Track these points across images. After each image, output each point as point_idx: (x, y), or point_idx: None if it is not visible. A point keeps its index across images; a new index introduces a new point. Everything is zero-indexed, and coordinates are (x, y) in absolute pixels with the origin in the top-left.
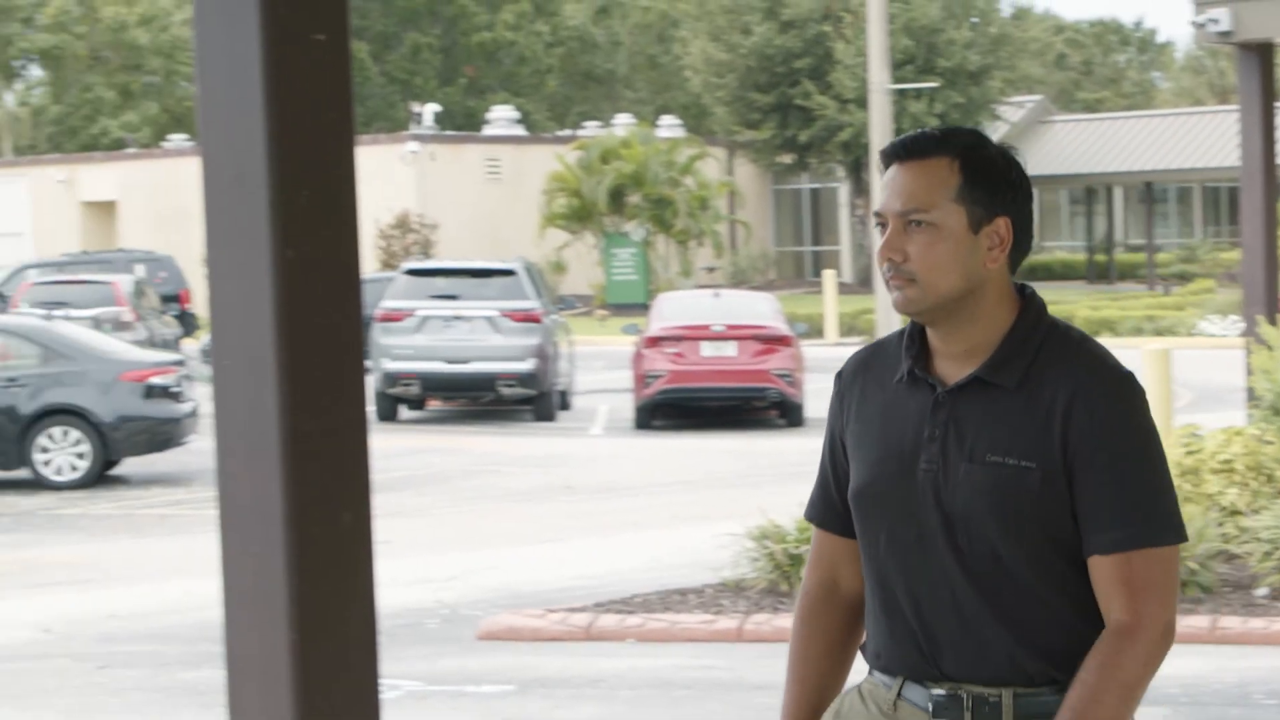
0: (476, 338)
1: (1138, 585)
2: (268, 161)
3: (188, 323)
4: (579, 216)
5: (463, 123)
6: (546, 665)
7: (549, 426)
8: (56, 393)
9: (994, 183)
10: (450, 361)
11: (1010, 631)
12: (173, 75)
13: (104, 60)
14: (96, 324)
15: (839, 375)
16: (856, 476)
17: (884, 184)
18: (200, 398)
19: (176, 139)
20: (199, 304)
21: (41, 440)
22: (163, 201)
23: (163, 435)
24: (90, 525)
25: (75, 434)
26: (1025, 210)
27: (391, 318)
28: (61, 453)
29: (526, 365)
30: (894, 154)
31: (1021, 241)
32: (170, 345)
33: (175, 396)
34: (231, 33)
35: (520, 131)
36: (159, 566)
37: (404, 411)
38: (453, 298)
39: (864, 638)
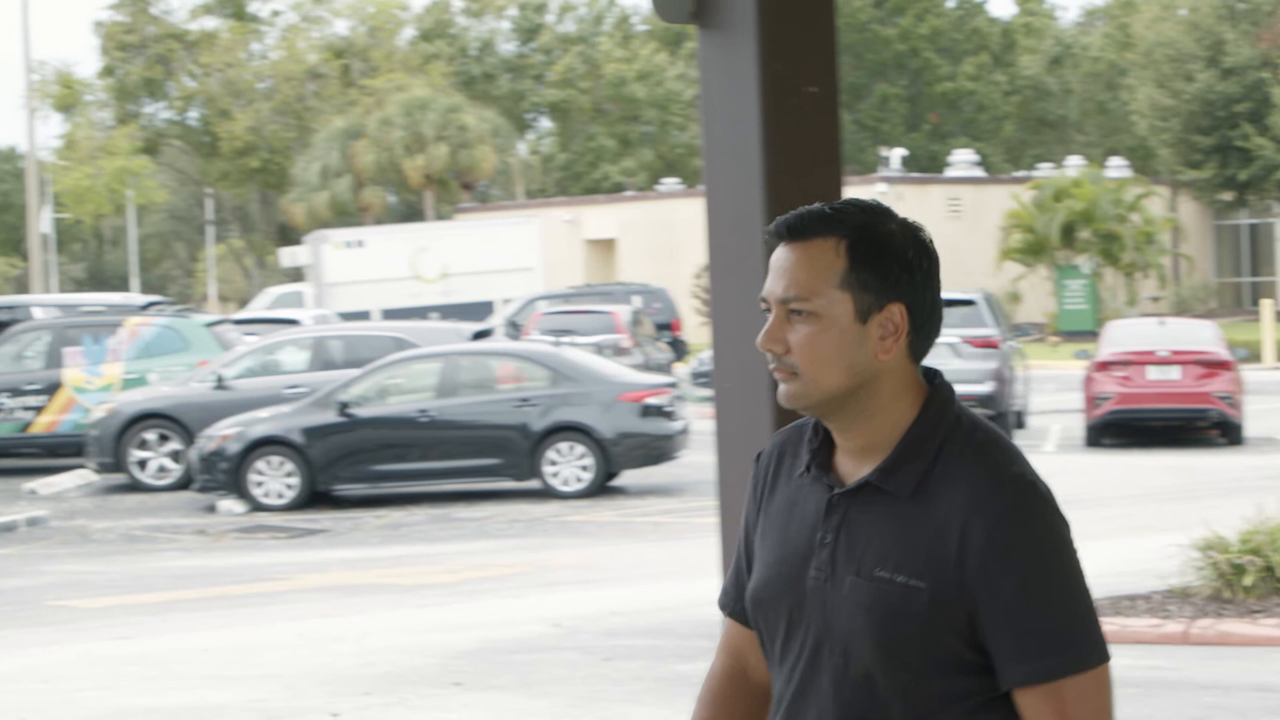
0: (939, 362)
1: (1074, 717)
2: (764, 202)
3: (679, 349)
4: (1033, 250)
5: (927, 165)
6: None
7: None
8: (564, 411)
9: (886, 266)
10: None
11: None
12: (666, 125)
13: (605, 112)
14: (599, 349)
15: (757, 458)
16: (755, 576)
17: (770, 265)
18: (690, 416)
19: (669, 183)
20: (689, 332)
21: (550, 454)
22: (657, 239)
23: (657, 450)
24: (593, 531)
25: (580, 448)
26: (926, 294)
27: None
28: (568, 465)
29: (986, 387)
30: (778, 233)
31: (923, 327)
32: (663, 369)
33: (669, 415)
34: (732, 87)
35: (979, 173)
36: (654, 568)
37: None
38: None
39: None
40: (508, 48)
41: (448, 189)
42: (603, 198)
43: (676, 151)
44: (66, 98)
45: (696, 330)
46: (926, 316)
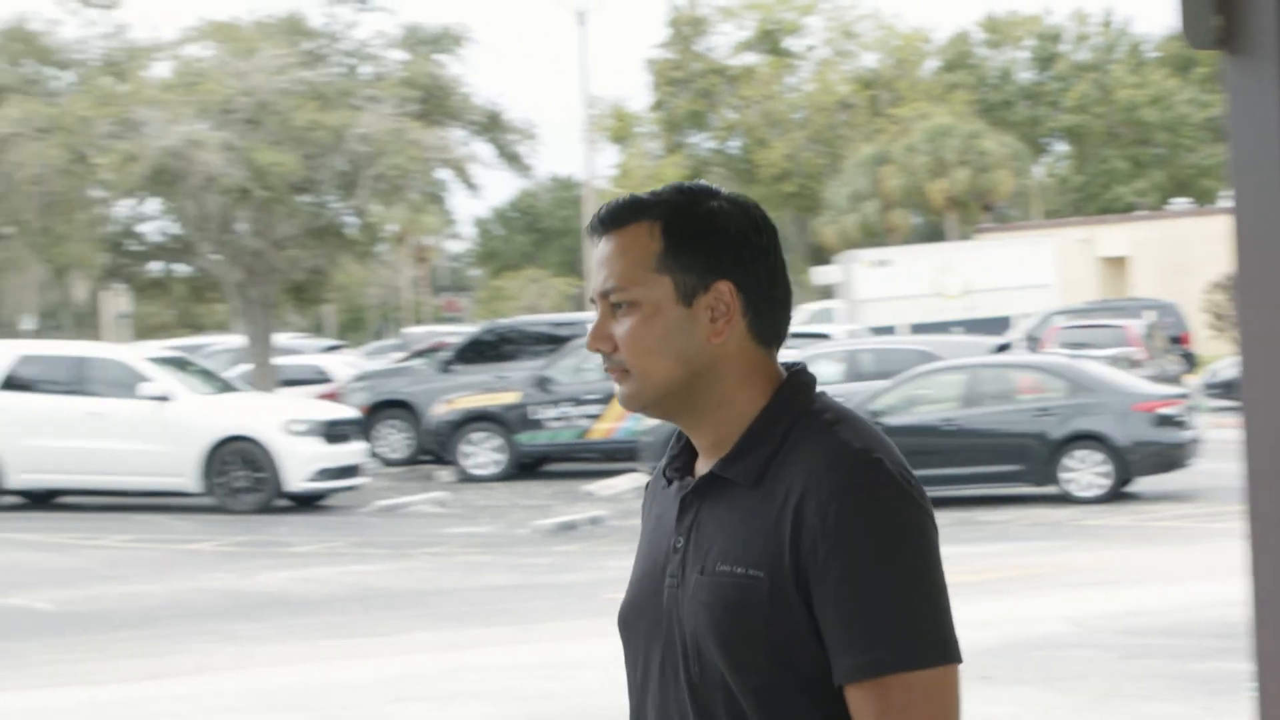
0: None
1: None
2: None
3: (1190, 361)
4: None
5: None
6: None
7: None
8: (1081, 420)
9: (708, 243)
10: None
11: None
12: (1176, 147)
13: (1118, 135)
14: (1113, 361)
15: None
16: (623, 599)
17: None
18: (1202, 426)
19: (1180, 202)
20: (1199, 344)
21: (1068, 461)
22: (1167, 256)
23: (1171, 458)
24: (1109, 534)
25: (1097, 456)
26: (758, 270)
27: None
28: (1085, 472)
29: None
30: (593, 229)
31: (761, 306)
32: (1175, 380)
33: (1181, 425)
34: (1258, 109)
35: None
36: (1169, 570)
37: None
38: None
39: None
40: (1025, 76)
41: (968, 210)
42: (1115, 217)
43: (1187, 172)
44: (620, 130)
45: (1207, 343)
46: (763, 295)
